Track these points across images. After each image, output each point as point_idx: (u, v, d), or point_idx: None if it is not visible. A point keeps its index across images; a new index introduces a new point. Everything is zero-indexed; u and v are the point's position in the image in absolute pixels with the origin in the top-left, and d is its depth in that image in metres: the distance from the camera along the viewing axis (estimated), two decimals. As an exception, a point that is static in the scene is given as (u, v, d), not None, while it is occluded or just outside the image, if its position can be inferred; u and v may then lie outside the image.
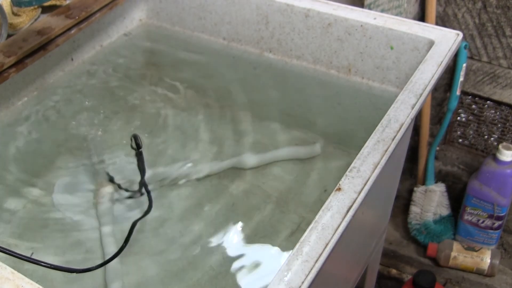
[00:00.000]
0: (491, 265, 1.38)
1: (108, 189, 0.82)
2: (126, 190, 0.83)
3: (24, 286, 0.53)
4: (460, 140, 1.48)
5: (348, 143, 0.89)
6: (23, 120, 0.93)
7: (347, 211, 0.56)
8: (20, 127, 0.92)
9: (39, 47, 0.91)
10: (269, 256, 0.73)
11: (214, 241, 0.75)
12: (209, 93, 1.01)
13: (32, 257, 0.68)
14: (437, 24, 1.31)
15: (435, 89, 1.42)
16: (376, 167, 0.61)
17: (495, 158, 1.32)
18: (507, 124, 1.39)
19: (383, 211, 0.99)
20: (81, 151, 0.89)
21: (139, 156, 0.82)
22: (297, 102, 0.97)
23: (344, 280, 0.84)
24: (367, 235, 0.91)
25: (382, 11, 1.19)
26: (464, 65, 1.28)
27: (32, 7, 0.98)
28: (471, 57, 1.34)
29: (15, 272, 0.54)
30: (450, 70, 1.34)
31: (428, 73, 0.76)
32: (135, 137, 0.80)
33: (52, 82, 1.00)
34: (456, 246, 1.41)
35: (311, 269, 0.51)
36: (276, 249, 0.74)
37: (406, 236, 1.50)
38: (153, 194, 0.81)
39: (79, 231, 0.77)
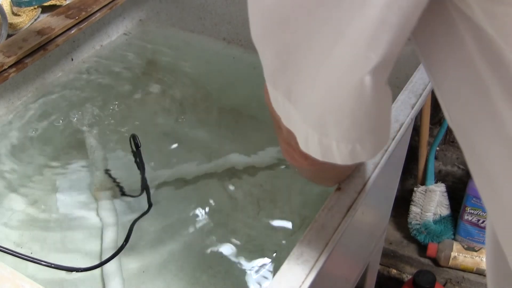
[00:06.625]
0: (491, 265, 1.38)
1: (108, 188, 0.82)
2: (124, 193, 0.83)
3: (24, 286, 0.53)
4: (460, 140, 1.48)
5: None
6: (23, 120, 0.93)
7: (347, 211, 0.56)
8: (20, 127, 0.92)
9: (39, 47, 0.91)
10: (269, 256, 0.73)
11: (213, 240, 0.75)
12: (209, 93, 1.01)
13: (34, 256, 0.68)
14: (437, 24, 1.30)
15: (435, 89, 1.42)
16: (376, 167, 0.61)
17: (495, 158, 1.32)
18: (507, 124, 1.39)
19: (383, 211, 0.99)
20: (81, 151, 0.89)
21: (138, 155, 0.82)
22: (297, 102, 0.97)
23: (344, 280, 0.84)
24: (367, 235, 0.91)
25: (382, 11, 1.19)
26: (464, 65, 1.28)
27: (32, 7, 0.98)
28: (471, 57, 1.33)
29: (15, 272, 0.54)
30: (450, 70, 1.34)
31: (428, 73, 0.76)
32: (134, 137, 0.80)
33: (52, 82, 1.00)
34: (456, 246, 1.41)
35: (311, 269, 0.51)
36: (276, 249, 0.74)
37: (406, 236, 1.50)
38: (152, 194, 0.81)
39: (79, 230, 0.77)
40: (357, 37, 0.31)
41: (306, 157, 0.43)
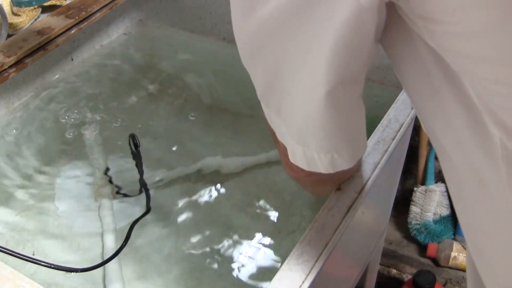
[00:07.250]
0: (491, 265, 1.38)
1: (108, 188, 0.82)
2: (125, 194, 0.83)
3: (24, 286, 0.53)
4: (460, 140, 1.48)
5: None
6: (23, 120, 0.93)
7: (347, 211, 0.56)
8: (20, 127, 0.92)
9: (39, 47, 0.91)
10: (269, 255, 0.73)
11: (213, 240, 0.75)
12: (209, 93, 1.01)
13: (33, 257, 0.68)
14: (437, 24, 1.30)
15: (435, 89, 1.42)
16: (376, 167, 0.61)
17: (495, 158, 1.32)
18: (507, 124, 1.39)
19: (383, 211, 0.99)
20: (80, 151, 0.89)
21: (137, 155, 0.82)
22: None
23: (344, 280, 0.84)
24: (367, 235, 0.90)
25: (382, 11, 1.19)
26: (464, 65, 1.27)
27: (32, 7, 0.98)
28: (471, 57, 1.33)
29: (15, 272, 0.54)
30: (450, 70, 1.34)
31: (428, 73, 0.76)
32: (133, 137, 0.81)
33: (52, 82, 1.00)
34: (456, 246, 1.40)
35: (311, 269, 0.51)
36: (276, 248, 0.74)
37: (406, 236, 1.50)
38: (152, 194, 0.81)
39: (79, 231, 0.77)
40: (317, 61, 0.37)
41: (302, 168, 0.47)
